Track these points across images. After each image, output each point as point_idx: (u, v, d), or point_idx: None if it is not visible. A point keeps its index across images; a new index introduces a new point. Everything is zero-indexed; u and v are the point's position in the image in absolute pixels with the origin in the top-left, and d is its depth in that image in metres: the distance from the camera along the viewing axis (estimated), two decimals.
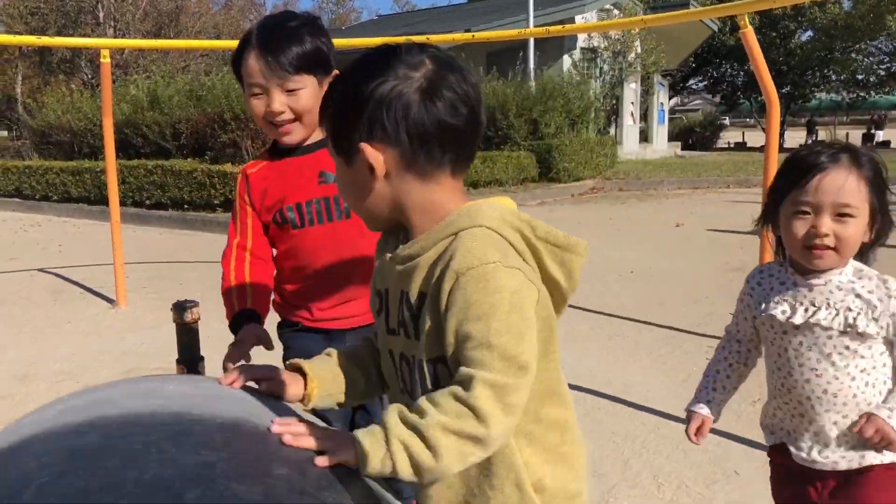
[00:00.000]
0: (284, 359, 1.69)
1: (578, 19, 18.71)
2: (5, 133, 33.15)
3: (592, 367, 3.91)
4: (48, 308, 5.61)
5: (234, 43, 6.46)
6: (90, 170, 12.15)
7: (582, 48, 18.99)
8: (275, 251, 2.05)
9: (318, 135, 1.93)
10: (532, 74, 15.86)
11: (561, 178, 13.69)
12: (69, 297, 5.99)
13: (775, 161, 3.81)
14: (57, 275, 6.93)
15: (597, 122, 15.97)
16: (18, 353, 4.45)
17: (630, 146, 20.66)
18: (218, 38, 28.77)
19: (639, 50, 19.59)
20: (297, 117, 1.85)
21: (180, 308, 2.89)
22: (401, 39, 4.44)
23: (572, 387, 3.56)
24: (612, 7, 19.43)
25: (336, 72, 1.82)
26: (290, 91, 1.82)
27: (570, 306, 5.17)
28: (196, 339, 2.94)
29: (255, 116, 1.89)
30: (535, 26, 15.58)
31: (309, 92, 1.83)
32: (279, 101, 1.81)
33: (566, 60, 18.48)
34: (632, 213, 10.53)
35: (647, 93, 22.29)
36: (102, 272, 6.89)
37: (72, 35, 24.12)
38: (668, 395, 3.45)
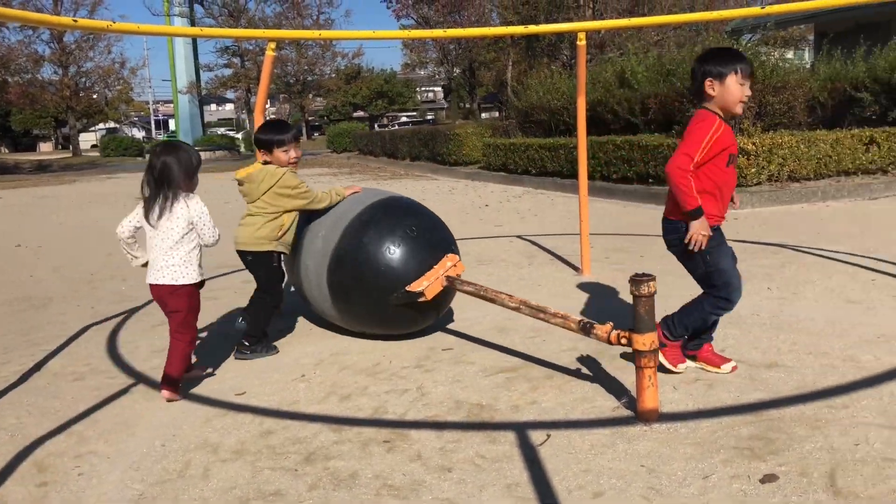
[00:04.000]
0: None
1: None
2: (497, 114, 37.23)
3: None
4: (524, 269, 6.25)
5: (706, 15, 6.26)
6: (564, 146, 13.08)
7: None
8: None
9: None
10: None
11: None
12: (541, 261, 6.58)
13: None
14: (532, 241, 7.66)
15: None
16: (500, 308, 5.04)
17: None
18: (692, 9, 28.35)
19: None
20: None
21: (637, 281, 2.98)
22: None
23: None
24: None
25: None
26: None
27: None
28: (652, 310, 3.01)
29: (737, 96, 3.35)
30: None
31: None
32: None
33: None
34: None
35: None
36: (570, 241, 7.41)
37: (556, 20, 26.06)
38: None
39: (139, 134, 66.47)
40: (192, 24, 37.24)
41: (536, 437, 2.97)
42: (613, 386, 3.47)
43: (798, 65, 14.14)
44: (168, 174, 3.50)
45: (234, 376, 3.91)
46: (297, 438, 3.08)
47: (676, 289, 5.46)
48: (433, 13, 34.56)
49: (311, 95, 51.71)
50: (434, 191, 14.45)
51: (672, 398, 3.28)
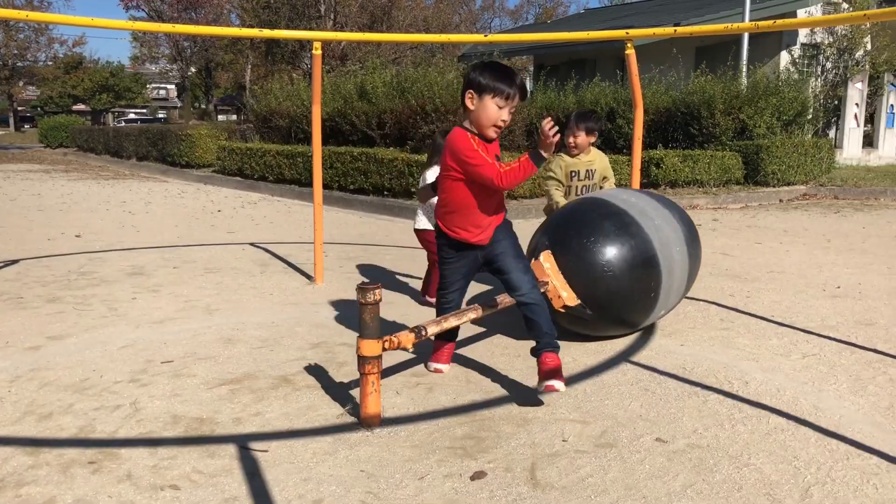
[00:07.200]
0: None
1: (801, 13, 17.41)
2: (235, 117, 36.12)
3: (781, 385, 3.65)
4: (256, 279, 6.11)
5: (437, 37, 6.56)
6: (303, 154, 13.02)
7: (803, 44, 17.65)
8: None
9: None
10: (744, 71, 14.98)
11: (769, 182, 12.86)
12: (274, 270, 6.47)
13: None
14: (266, 249, 7.52)
15: (814, 123, 14.78)
16: (226, 318, 4.88)
17: (851, 151, 18.95)
18: (427, 31, 29.67)
19: (868, 47, 17.90)
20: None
21: (363, 289, 3.04)
22: (603, 34, 4.64)
23: (754, 403, 3.36)
24: (841, 0, 17.87)
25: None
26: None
27: (762, 318, 4.85)
28: (376, 317, 3.08)
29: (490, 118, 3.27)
30: (750, 20, 14.70)
31: None
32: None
33: (784, 57, 17.28)
34: (846, 224, 9.68)
35: (875, 94, 20.34)
36: (305, 249, 7.39)
37: (298, 27, 25.91)
38: (865, 423, 3.15)
39: None
40: None
41: (258, 448, 2.91)
42: (339, 394, 3.50)
43: None
44: (434, 148, 4.98)
45: None
46: None
47: (406, 293, 5.63)
48: (166, 7, 32.77)
49: (21, 83, 46.55)
50: (162, 193, 13.66)
51: (394, 402, 3.38)
